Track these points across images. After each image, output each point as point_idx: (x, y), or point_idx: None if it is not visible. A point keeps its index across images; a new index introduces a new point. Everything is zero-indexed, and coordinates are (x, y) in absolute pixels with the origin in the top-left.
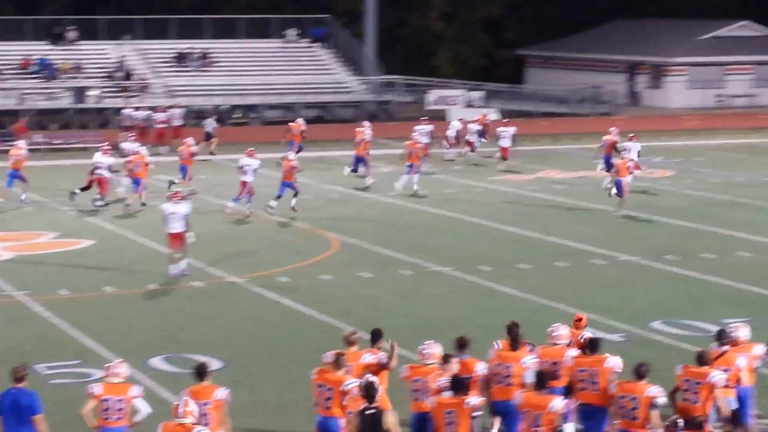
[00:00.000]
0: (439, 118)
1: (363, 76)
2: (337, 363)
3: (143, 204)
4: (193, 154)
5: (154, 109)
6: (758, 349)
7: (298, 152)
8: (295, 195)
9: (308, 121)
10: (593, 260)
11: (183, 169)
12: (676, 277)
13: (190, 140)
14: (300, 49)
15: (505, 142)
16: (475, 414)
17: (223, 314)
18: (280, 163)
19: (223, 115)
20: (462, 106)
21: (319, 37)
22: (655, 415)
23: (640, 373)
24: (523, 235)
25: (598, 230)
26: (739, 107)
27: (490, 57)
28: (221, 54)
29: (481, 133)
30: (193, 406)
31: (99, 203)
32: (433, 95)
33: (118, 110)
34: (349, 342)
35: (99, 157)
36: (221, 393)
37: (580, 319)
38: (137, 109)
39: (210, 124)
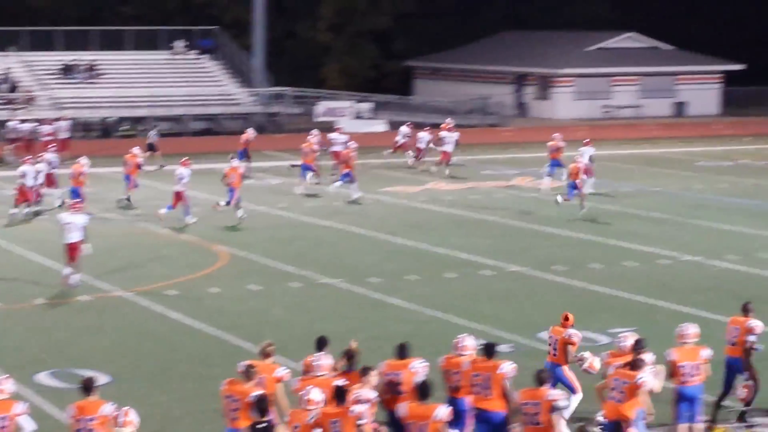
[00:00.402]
0: (328, 129)
1: (251, 88)
2: (247, 374)
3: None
4: (139, 165)
5: (40, 121)
6: (648, 356)
7: (241, 160)
8: (228, 203)
9: (196, 134)
10: (482, 271)
11: (127, 179)
12: (563, 287)
13: (135, 150)
14: (188, 60)
15: (448, 147)
16: (360, 422)
17: (111, 328)
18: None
19: (110, 128)
20: (351, 118)
21: (207, 49)
22: (556, 418)
23: (540, 379)
24: (412, 246)
25: (487, 241)
26: (625, 118)
27: (378, 68)
28: (108, 66)
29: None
30: (133, 416)
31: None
32: (321, 107)
33: (2, 123)
34: (265, 354)
35: (25, 168)
36: (108, 408)
37: (567, 318)
38: (23, 121)
39: (153, 135)
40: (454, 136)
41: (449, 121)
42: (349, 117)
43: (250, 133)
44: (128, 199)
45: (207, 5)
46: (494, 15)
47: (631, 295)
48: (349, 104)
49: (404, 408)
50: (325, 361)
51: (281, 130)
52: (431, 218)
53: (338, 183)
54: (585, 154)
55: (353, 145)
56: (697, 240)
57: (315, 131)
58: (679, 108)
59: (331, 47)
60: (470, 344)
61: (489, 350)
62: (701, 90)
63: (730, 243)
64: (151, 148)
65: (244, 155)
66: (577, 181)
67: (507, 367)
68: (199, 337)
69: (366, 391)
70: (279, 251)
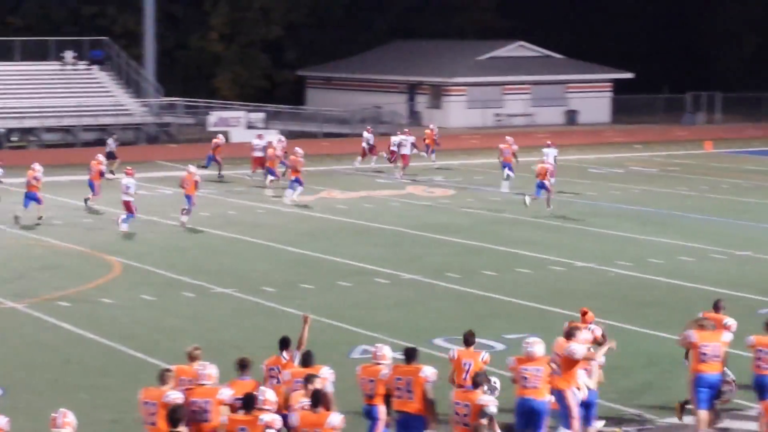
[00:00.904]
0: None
1: (143, 99)
2: (162, 379)
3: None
4: (101, 173)
5: None
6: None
7: (202, 168)
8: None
9: (87, 144)
10: (376, 279)
11: (91, 185)
12: (457, 294)
13: (100, 157)
14: (78, 71)
15: (405, 150)
16: (268, 431)
17: (2, 340)
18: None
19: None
20: (243, 128)
21: (98, 60)
22: (483, 422)
23: (476, 382)
24: (306, 255)
25: (381, 249)
26: (517, 126)
27: (270, 78)
28: None
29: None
30: (71, 418)
31: None
32: (214, 117)
33: None
34: (191, 357)
35: None
36: (0, 421)
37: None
38: None
39: (111, 143)
40: (410, 139)
41: (432, 127)
42: (241, 127)
43: (220, 138)
44: (86, 201)
45: (97, 16)
46: (385, 24)
47: (525, 302)
48: (241, 114)
49: (296, 417)
50: (211, 370)
51: (174, 141)
52: (325, 227)
53: (290, 191)
54: (549, 155)
55: (300, 151)
56: (589, 246)
57: (281, 137)
58: (571, 116)
59: (222, 57)
60: (388, 354)
61: (410, 355)
62: (592, 98)
63: (622, 249)
64: (110, 156)
65: (213, 160)
66: (545, 181)
67: (428, 371)
68: (93, 348)
69: (270, 394)
70: (172, 261)
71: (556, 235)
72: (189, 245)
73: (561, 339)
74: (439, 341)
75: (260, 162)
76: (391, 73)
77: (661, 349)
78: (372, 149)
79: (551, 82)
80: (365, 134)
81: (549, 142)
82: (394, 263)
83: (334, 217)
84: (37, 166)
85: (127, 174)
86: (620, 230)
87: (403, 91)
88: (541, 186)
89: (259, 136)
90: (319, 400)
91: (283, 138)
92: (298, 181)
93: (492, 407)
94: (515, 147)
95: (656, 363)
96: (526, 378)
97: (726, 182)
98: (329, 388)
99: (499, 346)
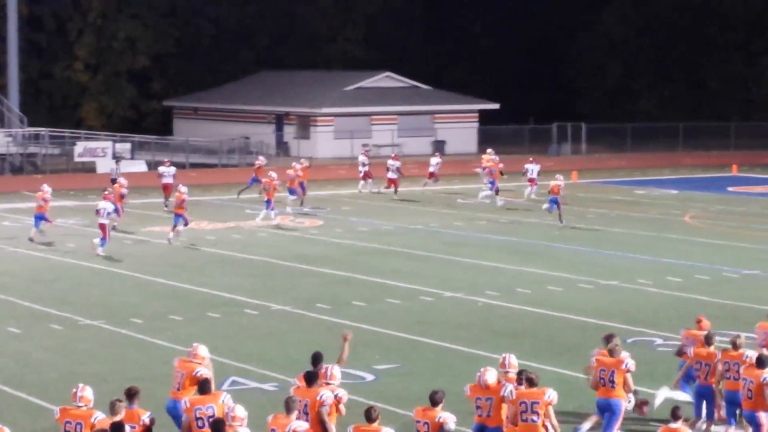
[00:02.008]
0: (88, 170)
1: (7, 129)
2: (112, 409)
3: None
4: (122, 195)
5: None
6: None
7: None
8: (185, 224)
9: None
10: (246, 310)
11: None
12: (328, 324)
13: (122, 180)
14: None
15: (392, 175)
16: None
17: None
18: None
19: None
20: (110, 158)
21: None
22: None
23: (434, 400)
24: (175, 286)
25: (250, 280)
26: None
27: (137, 108)
28: None
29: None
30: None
31: None
32: (80, 147)
33: None
34: (130, 395)
35: None
36: None
37: (699, 321)
38: None
39: (115, 171)
40: (397, 164)
41: (438, 157)
42: (108, 157)
43: (261, 160)
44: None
45: None
46: (252, 55)
47: (395, 332)
48: (107, 144)
49: None
50: (86, 393)
51: (39, 171)
52: (194, 258)
53: (264, 213)
54: (533, 171)
55: (274, 174)
56: (457, 276)
57: (304, 160)
58: (438, 146)
59: (88, 87)
60: (337, 374)
61: (310, 378)
62: (459, 129)
63: (489, 279)
64: (114, 183)
65: (256, 181)
66: (558, 197)
67: (326, 395)
68: None
69: (240, 410)
70: (39, 293)
71: (425, 265)
72: (55, 276)
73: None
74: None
75: (169, 189)
76: (259, 104)
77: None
78: (393, 181)
79: (418, 112)
80: (361, 157)
81: (531, 159)
82: (264, 294)
83: (203, 248)
84: (46, 187)
85: (104, 198)
86: (488, 260)
87: (270, 121)
88: (554, 201)
89: (166, 163)
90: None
91: (305, 162)
92: (269, 202)
93: (451, 424)
94: (502, 165)
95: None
96: (479, 408)
97: (592, 212)
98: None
99: (369, 377)
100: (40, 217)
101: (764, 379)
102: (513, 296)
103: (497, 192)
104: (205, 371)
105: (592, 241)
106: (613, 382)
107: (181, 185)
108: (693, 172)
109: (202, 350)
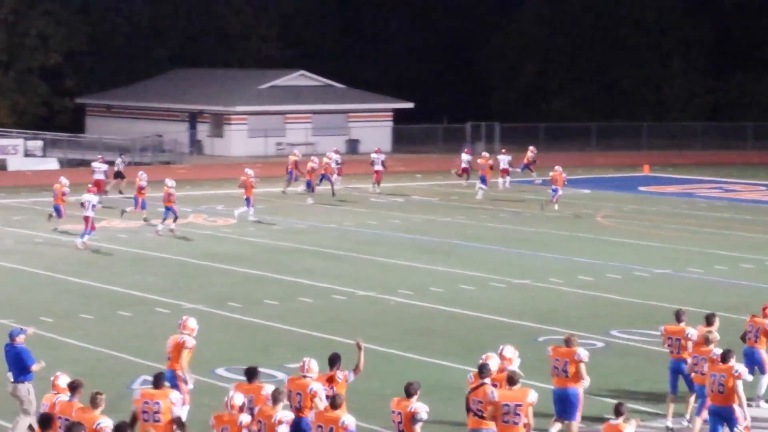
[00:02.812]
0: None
1: None
2: (93, 402)
3: None
4: (142, 188)
5: None
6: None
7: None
8: (175, 219)
9: None
10: (158, 309)
11: (135, 200)
12: (240, 323)
13: (63, 180)
14: None
15: (378, 167)
16: None
17: None
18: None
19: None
20: (21, 156)
21: None
22: (416, 428)
23: (409, 391)
24: (86, 284)
25: (162, 279)
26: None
27: (49, 106)
28: None
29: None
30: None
31: None
32: None
33: None
34: (94, 403)
35: None
36: None
37: (765, 308)
38: None
39: (120, 163)
40: (381, 156)
41: (468, 154)
42: (19, 155)
43: (297, 154)
44: (145, 219)
45: None
46: (166, 52)
47: (307, 331)
48: (19, 142)
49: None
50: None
51: None
52: (105, 256)
53: (242, 209)
54: (503, 161)
55: (251, 172)
56: (371, 275)
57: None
58: (352, 145)
59: None
60: (314, 367)
61: (250, 374)
62: (373, 128)
63: (402, 278)
64: (118, 175)
65: (292, 175)
66: (558, 187)
67: (269, 389)
68: None
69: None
70: None
71: (338, 264)
72: None
73: None
74: (221, 371)
75: (101, 185)
76: (172, 102)
77: (442, 377)
78: (378, 173)
79: (332, 111)
80: (333, 155)
81: (504, 150)
82: (176, 293)
83: (115, 246)
84: (64, 180)
85: (89, 191)
86: (401, 259)
87: (184, 119)
88: (555, 191)
89: (99, 159)
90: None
91: (333, 154)
92: (248, 200)
93: (422, 413)
94: (491, 161)
95: (436, 391)
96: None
97: (505, 211)
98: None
99: (281, 375)
100: (57, 209)
101: (736, 371)
102: (425, 295)
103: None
104: (190, 339)
105: (505, 240)
106: (566, 372)
107: (167, 179)
108: (605, 172)
109: (192, 322)
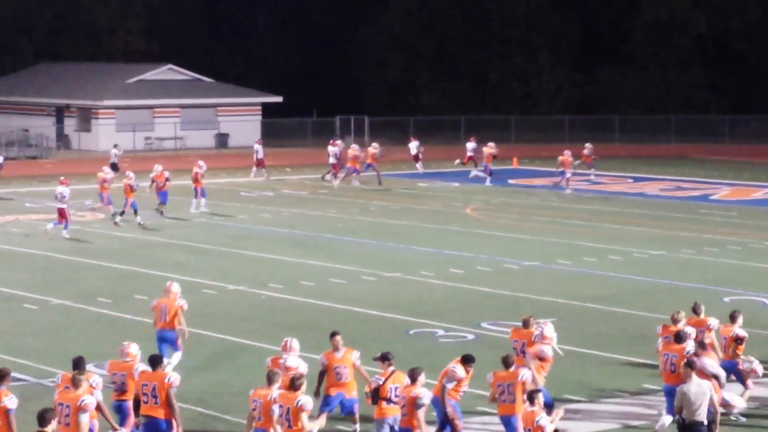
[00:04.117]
0: None
1: None
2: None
3: None
4: (131, 187)
5: None
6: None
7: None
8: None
9: None
10: (25, 305)
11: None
12: (109, 319)
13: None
14: None
15: (332, 159)
16: None
17: None
18: None
19: None
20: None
21: None
22: (419, 413)
23: (413, 377)
24: None
25: (30, 275)
26: (168, 149)
27: None
28: None
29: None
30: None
31: None
32: None
33: None
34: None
35: None
36: None
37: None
38: None
39: (115, 155)
40: (336, 149)
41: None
42: None
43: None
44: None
45: None
46: (32, 46)
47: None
48: None
49: None
50: None
51: None
52: None
53: (194, 202)
54: (470, 148)
55: (202, 163)
56: (241, 269)
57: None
58: (221, 139)
59: None
60: (296, 346)
61: (154, 362)
62: (242, 122)
63: (273, 272)
64: (114, 167)
65: (341, 166)
66: (566, 170)
67: (173, 377)
68: None
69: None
70: None
71: (208, 258)
72: None
73: None
74: (90, 367)
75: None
76: (39, 96)
77: (311, 370)
78: (335, 165)
79: (201, 105)
80: (331, 148)
81: (472, 138)
82: (43, 289)
83: None
84: (107, 169)
85: (62, 184)
86: (272, 253)
87: (50, 114)
88: (562, 174)
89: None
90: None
91: (374, 148)
92: (200, 191)
93: (425, 399)
94: (494, 150)
95: (310, 383)
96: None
97: (374, 205)
98: None
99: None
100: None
101: (687, 352)
102: (296, 289)
103: (491, 173)
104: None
105: (376, 233)
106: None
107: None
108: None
109: (176, 287)
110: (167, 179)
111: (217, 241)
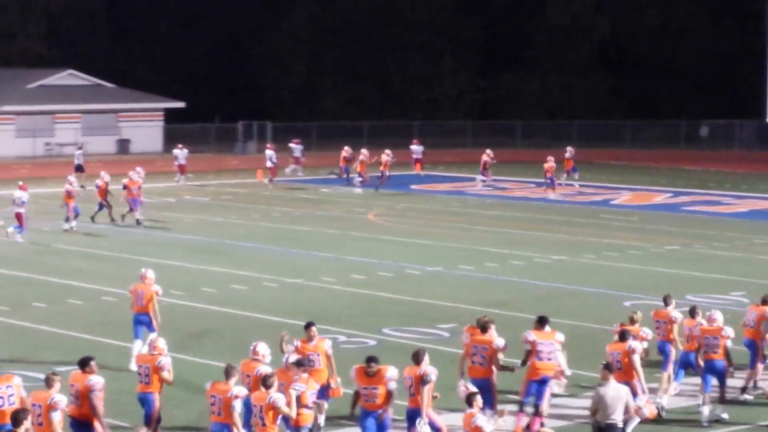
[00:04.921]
0: None
1: None
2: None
3: None
4: (68, 193)
5: None
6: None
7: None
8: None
9: None
10: None
11: (133, 202)
12: (6, 327)
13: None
14: None
15: (297, 153)
16: None
17: None
18: None
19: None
20: None
21: None
22: (425, 389)
23: (417, 359)
24: None
25: None
26: (69, 155)
27: None
28: None
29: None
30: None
31: None
32: None
33: None
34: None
35: None
36: None
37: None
38: None
39: (79, 156)
40: (299, 147)
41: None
42: None
43: (348, 150)
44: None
45: None
46: None
47: (76, 333)
48: None
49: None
50: None
51: None
52: None
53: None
54: (417, 152)
55: (141, 170)
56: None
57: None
58: (123, 145)
59: None
60: (263, 351)
61: (84, 364)
62: (144, 127)
63: (174, 278)
64: (79, 169)
65: (348, 171)
66: (553, 176)
67: (94, 380)
68: None
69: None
70: None
71: (108, 265)
72: None
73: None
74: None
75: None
76: None
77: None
78: (273, 169)
79: (102, 110)
80: (269, 152)
81: (415, 141)
82: None
83: None
84: (138, 170)
85: (20, 188)
86: (173, 259)
87: None
88: (551, 179)
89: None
90: None
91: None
92: (135, 201)
93: (432, 375)
94: (491, 158)
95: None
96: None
97: (277, 210)
98: None
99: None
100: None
101: (630, 347)
102: (197, 295)
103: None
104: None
105: (278, 239)
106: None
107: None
108: (377, 170)
109: (151, 273)
110: (140, 186)
111: (118, 247)
